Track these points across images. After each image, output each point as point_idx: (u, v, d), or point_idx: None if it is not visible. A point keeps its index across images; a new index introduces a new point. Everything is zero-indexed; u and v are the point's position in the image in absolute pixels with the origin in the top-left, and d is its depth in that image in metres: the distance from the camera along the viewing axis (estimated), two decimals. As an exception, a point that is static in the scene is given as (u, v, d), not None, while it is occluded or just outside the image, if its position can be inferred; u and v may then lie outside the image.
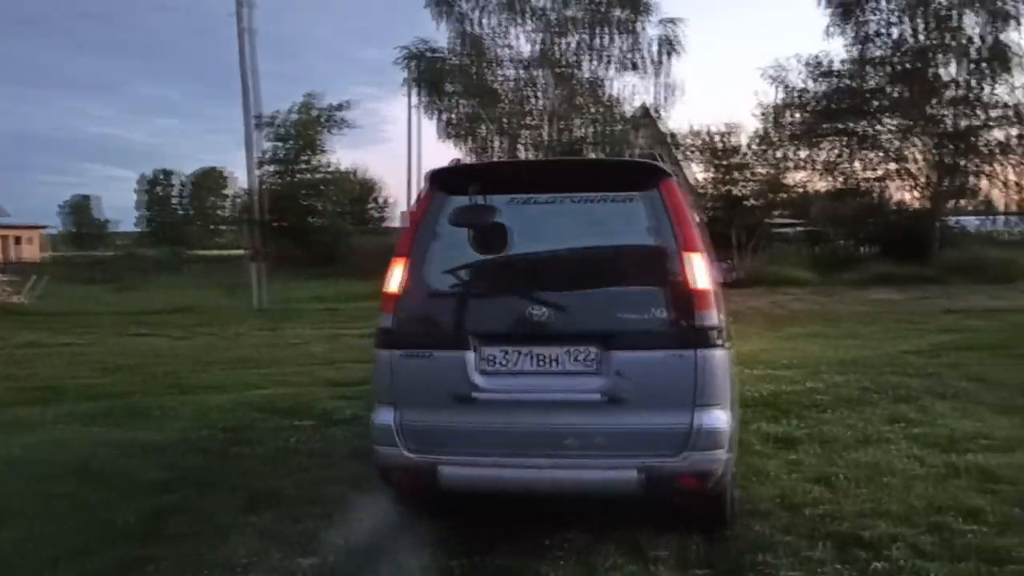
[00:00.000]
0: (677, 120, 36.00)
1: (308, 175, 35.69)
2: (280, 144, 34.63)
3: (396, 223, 36.98)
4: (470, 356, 4.29)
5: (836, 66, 28.63)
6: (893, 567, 4.05)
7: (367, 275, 26.11)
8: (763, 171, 29.07)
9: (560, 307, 4.25)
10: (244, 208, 29.78)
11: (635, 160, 5.12)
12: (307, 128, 34.92)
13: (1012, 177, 27.30)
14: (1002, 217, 30.04)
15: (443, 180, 4.62)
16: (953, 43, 26.71)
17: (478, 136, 31.62)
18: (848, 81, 28.47)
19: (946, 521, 4.53)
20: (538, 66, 31.32)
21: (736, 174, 29.06)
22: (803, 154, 29.16)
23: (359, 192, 40.43)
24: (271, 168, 33.99)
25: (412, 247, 4.46)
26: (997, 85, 26.70)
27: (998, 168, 27.17)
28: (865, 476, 5.35)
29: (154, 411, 8.24)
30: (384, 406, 4.41)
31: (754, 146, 29.09)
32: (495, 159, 31.16)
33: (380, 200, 43.11)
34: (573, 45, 30.91)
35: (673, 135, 31.41)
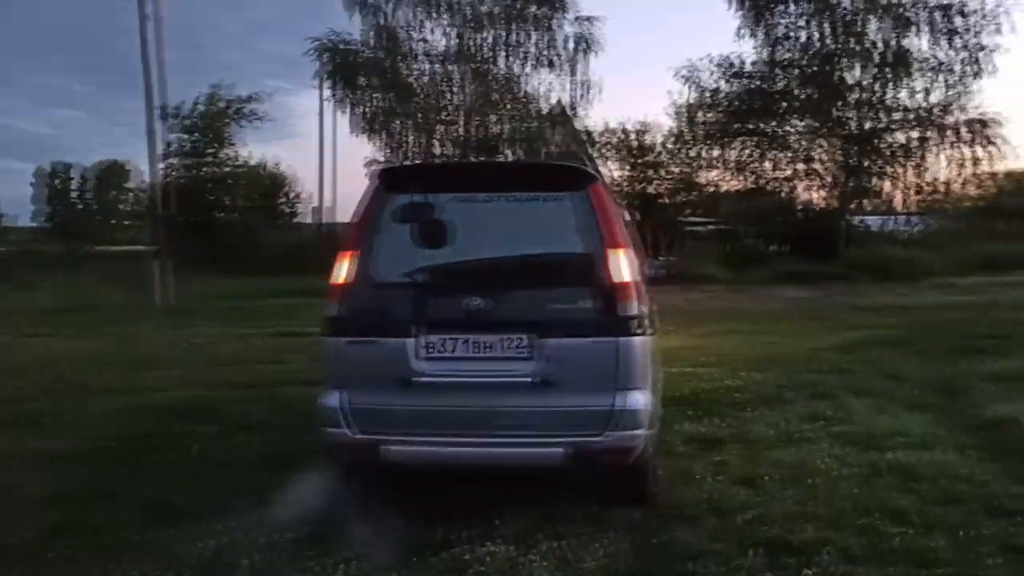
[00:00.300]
0: (594, 118, 36.11)
1: (215, 169, 34.47)
2: (186, 136, 33.36)
3: (308, 219, 36.12)
4: (411, 343, 4.60)
5: (747, 68, 29.17)
6: (824, 573, 3.95)
7: (278, 271, 25.51)
8: (677, 170, 29.43)
9: (495, 298, 4.58)
10: (147, 202, 28.60)
11: (566, 164, 5.44)
12: (214, 120, 33.70)
13: (912, 178, 28.26)
14: (903, 217, 31.09)
15: (389, 179, 5.04)
16: (858, 48, 27.48)
17: (393, 131, 31.10)
18: (758, 82, 29.03)
19: (873, 523, 4.47)
20: (453, 61, 31.01)
21: (651, 172, 29.33)
22: (715, 153, 29.64)
23: (270, 187, 39.25)
24: (176, 161, 32.74)
25: (358, 241, 4.77)
26: (899, 89, 27.59)
27: (899, 169, 28.08)
28: (790, 477, 5.27)
29: (47, 417, 7.67)
30: (331, 390, 4.71)
31: (668, 145, 29.42)
32: (411, 155, 30.82)
33: (291, 195, 42.01)
34: (489, 40, 30.70)
35: (589, 133, 31.55)
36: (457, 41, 30.70)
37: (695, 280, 25.00)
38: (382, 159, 31.15)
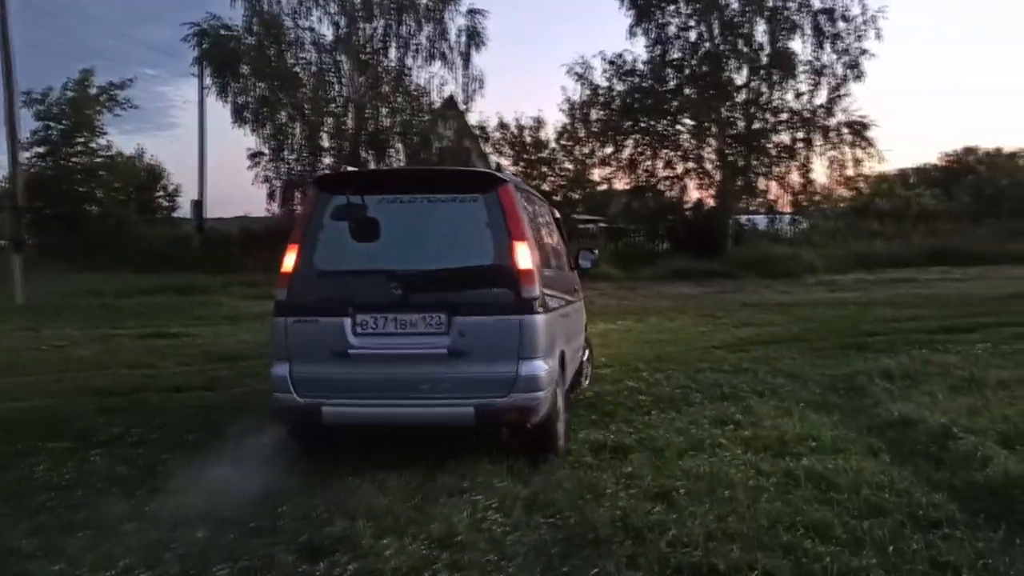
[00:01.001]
0: (486, 113, 35.81)
1: (84, 159, 32.35)
2: (51, 124, 31.18)
3: (186, 212, 34.28)
4: (347, 321, 5.47)
5: (638, 66, 29.31)
6: (754, 602, 3.57)
7: (153, 268, 24.03)
8: (570, 166, 29.32)
9: (417, 282, 5.50)
10: (4, 193, 26.49)
11: (479, 170, 6.44)
12: (82, 107, 31.61)
13: (796, 178, 29.02)
14: (787, 216, 31.98)
15: (327, 183, 6.15)
16: (745, 49, 28.00)
17: (277, 123, 29.82)
18: (649, 81, 29.22)
19: (798, 541, 4.13)
20: (341, 51, 30.01)
21: (544, 169, 29.11)
22: (607, 151, 29.66)
23: (146, 179, 37.20)
24: (40, 150, 30.57)
25: (302, 236, 5.68)
26: (784, 91, 28.26)
27: (784, 169, 28.77)
28: (706, 489, 4.90)
29: None
30: (280, 362, 5.58)
31: (562, 141, 29.26)
32: (297, 148, 29.70)
33: (170, 189, 39.97)
34: (379, 31, 29.84)
35: (482, 128, 31.12)
36: (345, 31, 29.73)
37: (587, 277, 24.89)
38: (266, 152, 29.92)
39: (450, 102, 31.19)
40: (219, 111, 29.93)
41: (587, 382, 8.37)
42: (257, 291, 22.31)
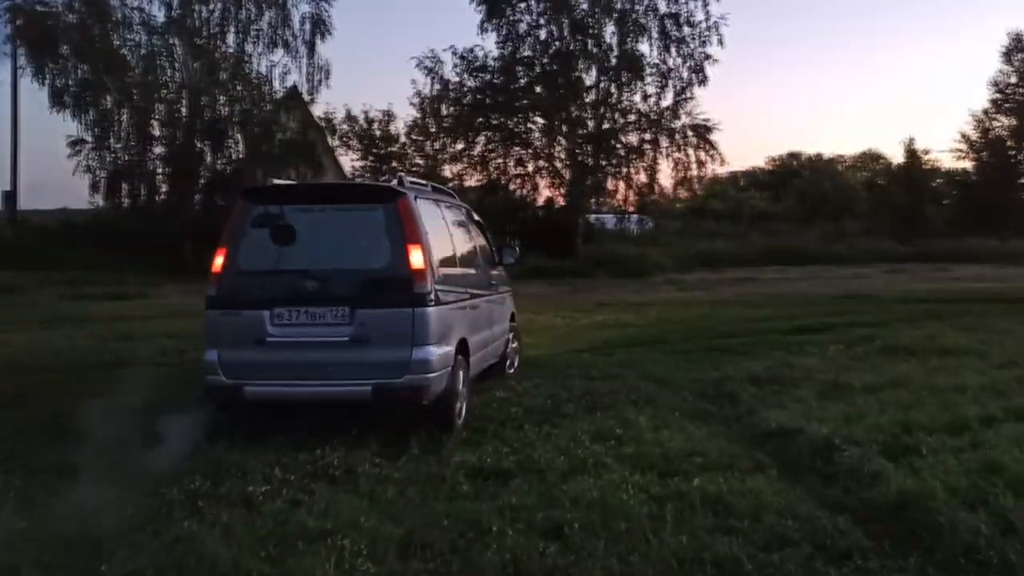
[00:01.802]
0: (334, 104, 34.39)
1: None
2: None
3: (-2, 205, 31.16)
4: (265, 313, 6.30)
5: (489, 62, 28.98)
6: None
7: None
8: (420, 162, 28.60)
9: (325, 280, 6.35)
10: None
11: (381, 184, 7.94)
12: None
13: (643, 178, 29.54)
14: (635, 216, 32.57)
15: (251, 194, 7.23)
16: (594, 50, 28.21)
17: (102, 108, 27.54)
18: (501, 78, 28.94)
19: (711, 583, 3.72)
20: (174, 34, 28.09)
21: (394, 164, 28.25)
22: (458, 147, 29.18)
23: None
24: None
25: (228, 240, 6.56)
26: (633, 93, 28.69)
27: (631, 170, 29.23)
28: (599, 521, 4.42)
29: None
30: (210, 348, 6.47)
31: (413, 136, 28.50)
32: (126, 135, 27.61)
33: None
34: (216, 14, 28.12)
35: (328, 120, 29.93)
36: (179, 12, 27.83)
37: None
38: (88, 139, 27.61)
39: (294, 92, 29.84)
40: (36, 94, 27.13)
41: (513, 368, 9.35)
42: (79, 291, 20.46)
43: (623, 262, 26.21)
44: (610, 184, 29.61)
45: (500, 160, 29.64)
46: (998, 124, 38.46)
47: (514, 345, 9.49)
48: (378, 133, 27.99)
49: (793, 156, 55.53)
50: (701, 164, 28.55)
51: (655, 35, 27.91)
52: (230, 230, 6.65)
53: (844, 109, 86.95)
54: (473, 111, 29.02)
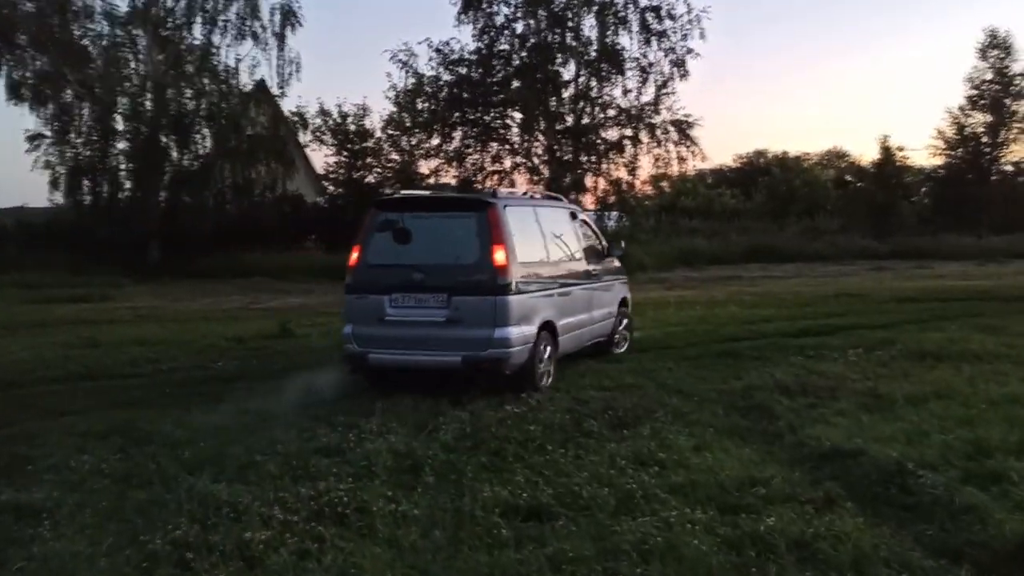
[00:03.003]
0: (306, 98, 33.40)
1: None
2: None
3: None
4: (385, 298, 8.06)
5: (466, 56, 28.14)
6: None
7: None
8: (396, 157, 27.67)
9: (430, 272, 7.94)
10: None
11: (476, 196, 9.23)
12: None
13: (624, 175, 28.88)
14: (613, 213, 31.94)
15: (379, 203, 9.02)
16: (573, 43, 27.48)
17: (61, 101, 26.30)
18: (478, 72, 28.12)
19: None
20: (137, 25, 26.92)
21: (369, 159, 27.28)
22: (434, 142, 28.31)
23: None
24: None
25: (362, 240, 8.32)
26: (613, 87, 28.00)
27: (612, 166, 28.54)
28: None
29: None
30: (347, 323, 8.33)
31: (388, 131, 27.55)
32: (88, 130, 26.43)
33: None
34: (182, 5, 26.99)
35: (300, 114, 28.90)
36: (143, 2, 26.66)
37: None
38: (48, 134, 26.38)
39: (263, 86, 28.79)
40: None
41: (621, 349, 10.72)
42: (38, 294, 19.39)
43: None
44: (589, 180, 28.93)
45: (477, 156, 28.83)
46: (973, 121, 38.37)
47: (623, 329, 10.86)
48: (352, 128, 26.96)
49: (760, 154, 55.18)
50: (682, 160, 27.97)
51: (636, 28, 27.27)
52: (363, 232, 8.41)
53: (808, 108, 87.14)
54: (449, 106, 28.16)
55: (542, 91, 27.84)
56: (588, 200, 29.61)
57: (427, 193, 11.50)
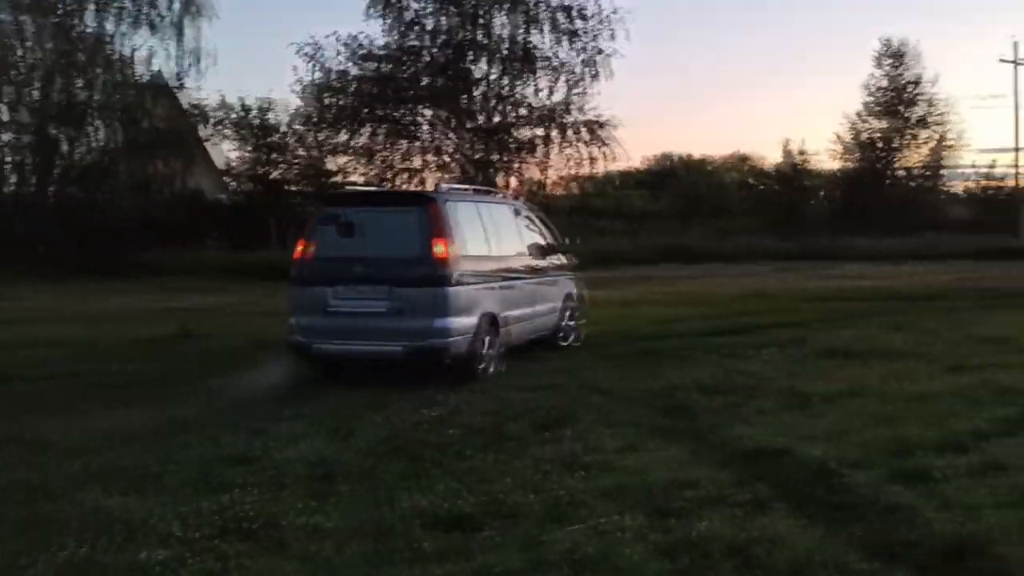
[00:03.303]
0: (208, 91, 32.00)
1: None
2: None
3: None
4: (329, 290, 8.37)
5: (376, 51, 27.62)
6: None
7: None
8: (305, 153, 26.88)
9: (372, 265, 8.26)
10: None
11: (418, 191, 12.79)
12: None
13: (537, 174, 28.87)
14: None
15: (325, 199, 12.93)
16: (486, 41, 27.30)
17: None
18: (388, 67, 27.63)
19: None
20: (24, 10, 25.46)
21: (275, 155, 26.41)
22: (342, 138, 27.65)
23: None
24: None
25: (308, 234, 8.80)
26: (526, 86, 27.93)
27: (525, 165, 28.48)
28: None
29: None
30: (293, 314, 8.58)
31: (295, 126, 26.72)
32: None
33: None
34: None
35: (201, 107, 27.81)
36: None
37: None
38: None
39: (162, 77, 27.63)
40: None
41: (568, 341, 10.81)
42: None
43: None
44: (501, 179, 28.74)
45: (387, 153, 28.33)
46: (870, 127, 39.84)
47: (571, 323, 11.02)
48: (256, 122, 26.09)
49: (667, 156, 56.13)
50: (593, 160, 28.11)
51: (547, 28, 27.26)
52: (311, 225, 8.90)
53: (713, 112, 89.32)
54: (358, 101, 27.58)
55: (454, 88, 27.57)
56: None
57: (372, 188, 12.06)
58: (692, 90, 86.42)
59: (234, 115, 26.35)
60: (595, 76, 27.45)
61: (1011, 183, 39.94)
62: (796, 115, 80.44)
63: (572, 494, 4.75)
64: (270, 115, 26.07)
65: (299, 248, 8.67)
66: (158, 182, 27.32)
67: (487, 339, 8.60)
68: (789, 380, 8.08)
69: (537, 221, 10.94)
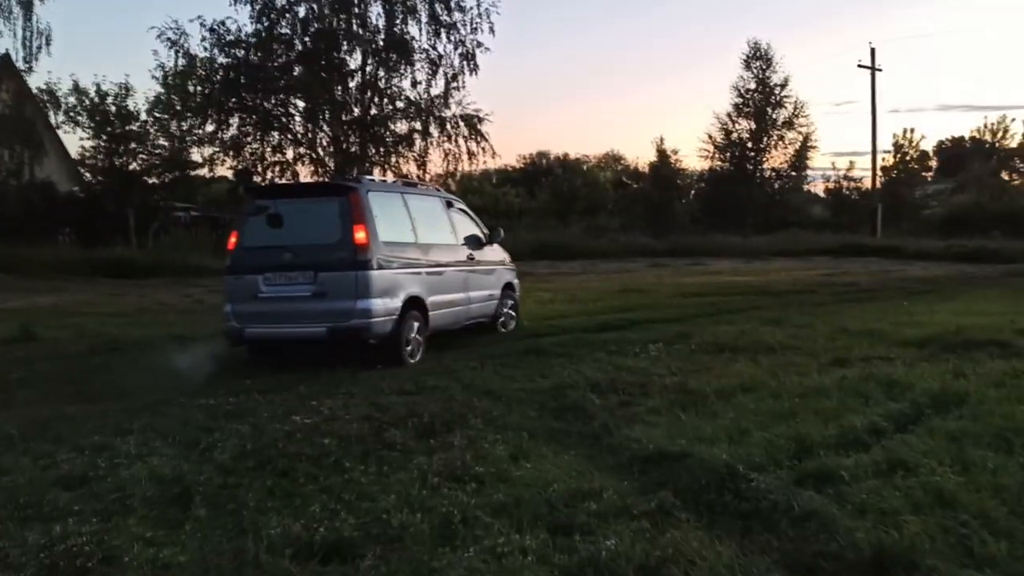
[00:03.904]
0: (58, 74, 29.71)
1: None
2: None
3: None
4: (259, 277, 8.88)
5: (243, 38, 26.27)
6: None
7: None
8: (165, 143, 25.24)
9: (298, 252, 8.76)
10: None
11: (340, 182, 10.75)
12: None
13: (413, 169, 28.20)
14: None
15: (252, 190, 12.25)
16: (360, 31, 26.39)
17: None
18: (256, 55, 26.33)
19: None
20: None
21: (133, 145, 24.66)
22: (209, 128, 26.18)
23: None
24: None
25: (239, 226, 9.43)
26: (402, 78, 27.19)
27: (401, 160, 27.73)
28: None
29: None
30: (227, 302, 9.16)
31: (156, 114, 25.01)
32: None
33: None
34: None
35: (51, 92, 25.75)
36: None
37: (189, 273, 21.65)
38: None
39: (7, 60, 25.44)
40: None
41: (507, 328, 11.72)
42: None
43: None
44: (377, 174, 27.88)
45: (256, 145, 27.04)
46: (739, 127, 41.07)
47: (508, 311, 11.80)
48: (113, 109, 24.21)
49: (542, 155, 56.49)
50: (472, 156, 27.65)
51: (425, 19, 26.61)
52: (240, 218, 9.51)
53: (586, 112, 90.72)
54: (224, 90, 26.16)
55: (327, 79, 26.54)
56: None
57: (298, 182, 12.37)
58: (564, 89, 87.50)
59: (87, 101, 24.41)
60: (474, 70, 27.02)
61: (867, 184, 41.96)
62: (669, 115, 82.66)
63: (464, 511, 4.26)
64: (128, 102, 24.30)
65: (232, 239, 9.29)
66: (2, 172, 25.13)
67: (413, 323, 9.19)
68: (680, 376, 7.84)
69: (471, 214, 11.56)
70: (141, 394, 7.69)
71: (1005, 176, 46.46)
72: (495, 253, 11.68)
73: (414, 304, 9.20)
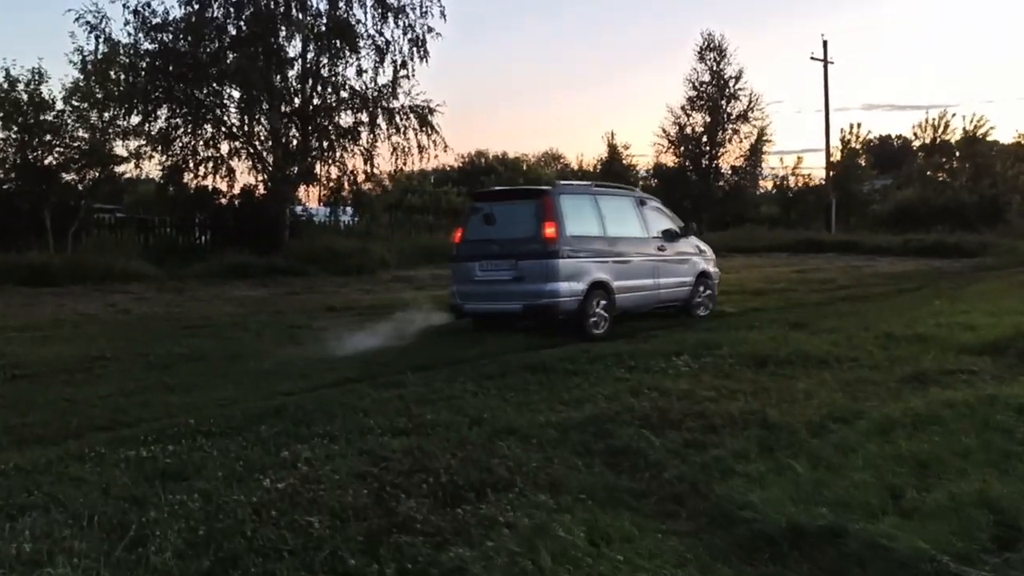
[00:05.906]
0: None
1: None
2: None
3: None
4: (475, 264, 11.08)
5: (170, 22, 23.96)
6: None
7: None
8: (85, 136, 22.78)
9: (503, 244, 10.81)
10: None
11: (539, 187, 12.25)
12: None
13: (360, 164, 26.27)
14: (349, 207, 29.17)
15: (474, 195, 14.33)
16: (299, 15, 24.33)
17: None
18: (185, 41, 24.05)
19: None
20: None
21: (48, 137, 22.18)
22: (135, 120, 23.78)
23: None
24: None
25: (463, 223, 11.69)
26: (347, 66, 25.19)
27: (346, 154, 25.73)
28: None
29: None
30: (452, 283, 11.58)
31: (74, 102, 22.51)
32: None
33: None
34: None
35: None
36: None
37: (115, 278, 19.43)
38: None
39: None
40: None
41: (701, 313, 12.79)
42: None
43: (341, 258, 22.72)
44: (320, 169, 25.90)
45: (188, 139, 24.76)
46: (694, 121, 39.93)
47: (700, 299, 12.89)
48: (24, 97, 21.74)
49: (481, 154, 54.92)
50: (422, 149, 25.78)
51: (370, 2, 24.65)
52: (463, 218, 12.01)
53: (526, 112, 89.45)
54: (151, 79, 23.85)
55: (264, 67, 24.41)
56: (316, 193, 26.78)
57: (508, 187, 15.53)
58: (502, 88, 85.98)
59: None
60: (424, 57, 25.17)
61: (821, 179, 41.32)
62: (619, 109, 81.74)
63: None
64: (43, 88, 21.86)
65: (457, 234, 11.59)
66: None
67: (598, 302, 10.89)
68: (743, 401, 6.31)
69: (666, 211, 13.07)
70: (50, 438, 5.83)
71: (944, 173, 46.39)
72: (689, 245, 12.94)
73: (600, 287, 10.89)
